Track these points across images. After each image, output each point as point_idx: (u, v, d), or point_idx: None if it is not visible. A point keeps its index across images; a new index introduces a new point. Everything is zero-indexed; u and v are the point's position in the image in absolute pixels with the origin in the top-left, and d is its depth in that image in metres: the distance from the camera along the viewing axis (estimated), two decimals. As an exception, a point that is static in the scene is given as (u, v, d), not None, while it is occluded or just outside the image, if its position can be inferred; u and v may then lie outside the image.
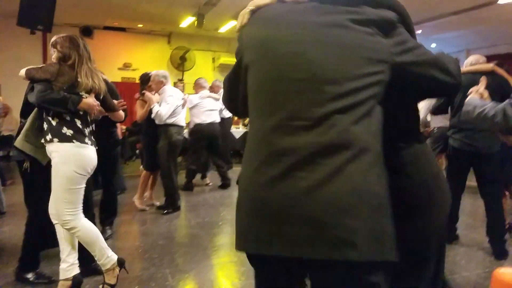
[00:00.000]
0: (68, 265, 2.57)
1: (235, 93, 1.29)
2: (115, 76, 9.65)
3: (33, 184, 2.82)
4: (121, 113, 3.24)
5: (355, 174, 1.00)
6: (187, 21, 8.98)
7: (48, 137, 2.52)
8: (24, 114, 2.78)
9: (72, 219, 2.50)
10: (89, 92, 2.62)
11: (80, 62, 2.61)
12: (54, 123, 2.53)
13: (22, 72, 2.59)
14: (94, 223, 2.75)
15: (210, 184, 6.44)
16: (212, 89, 6.70)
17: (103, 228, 3.71)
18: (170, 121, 4.70)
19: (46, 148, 2.56)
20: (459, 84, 1.23)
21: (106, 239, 3.05)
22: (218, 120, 6.18)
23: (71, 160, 2.50)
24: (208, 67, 11.22)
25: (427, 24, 8.59)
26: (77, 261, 2.61)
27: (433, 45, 10.60)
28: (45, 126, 2.56)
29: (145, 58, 10.32)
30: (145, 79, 4.86)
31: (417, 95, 1.34)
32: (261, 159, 1.07)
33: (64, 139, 2.51)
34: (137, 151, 8.15)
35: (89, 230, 2.57)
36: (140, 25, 9.85)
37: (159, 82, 4.72)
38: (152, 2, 7.66)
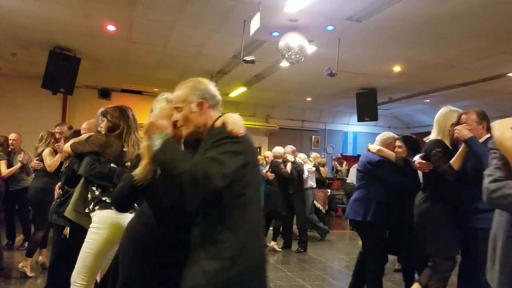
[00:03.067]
0: None
1: None
2: (129, 136, 9.80)
3: (67, 251, 2.77)
4: None
5: None
6: (200, 86, 9.26)
7: (91, 206, 2.56)
8: (70, 182, 2.87)
9: (83, 284, 2.44)
10: None
11: (128, 132, 2.67)
12: (97, 192, 2.57)
13: (68, 148, 2.69)
14: None
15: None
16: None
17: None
18: None
19: (92, 216, 2.58)
20: None
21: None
22: None
23: (107, 226, 2.49)
24: (219, 128, 11.42)
25: (435, 94, 8.72)
26: None
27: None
28: (89, 196, 2.60)
29: (158, 119, 10.54)
30: None
31: None
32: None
33: (103, 206, 2.53)
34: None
35: None
36: (155, 89, 10.20)
37: None
38: (167, 70, 8.02)
